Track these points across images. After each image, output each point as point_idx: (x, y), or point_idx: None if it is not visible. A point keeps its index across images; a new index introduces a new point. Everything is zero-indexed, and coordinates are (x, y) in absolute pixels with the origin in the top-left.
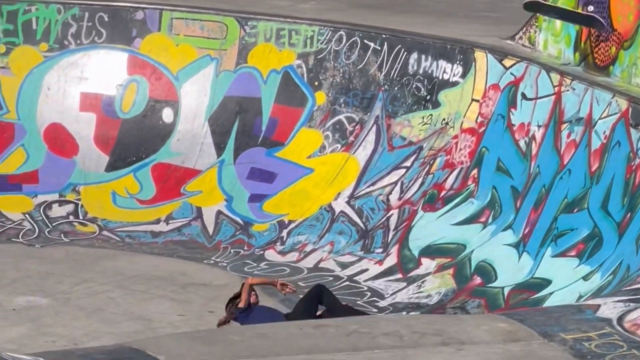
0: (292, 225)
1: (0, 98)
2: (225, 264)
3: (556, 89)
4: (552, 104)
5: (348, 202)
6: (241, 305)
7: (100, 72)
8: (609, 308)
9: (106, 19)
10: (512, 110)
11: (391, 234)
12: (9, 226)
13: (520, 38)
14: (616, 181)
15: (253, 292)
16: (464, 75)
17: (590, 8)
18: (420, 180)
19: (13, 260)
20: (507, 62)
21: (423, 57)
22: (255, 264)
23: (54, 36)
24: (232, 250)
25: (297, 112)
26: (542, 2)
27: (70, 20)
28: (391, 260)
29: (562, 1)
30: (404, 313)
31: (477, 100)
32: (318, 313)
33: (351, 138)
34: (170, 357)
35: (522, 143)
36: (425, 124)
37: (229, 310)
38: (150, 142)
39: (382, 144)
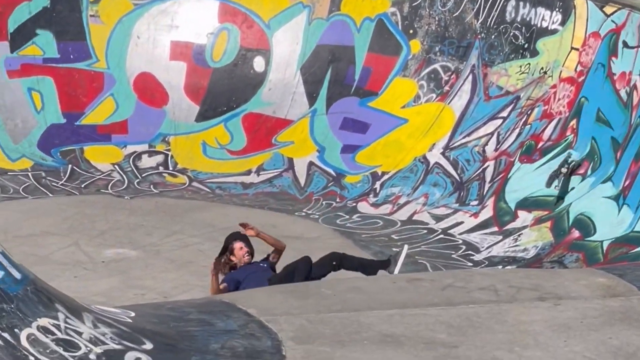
0: (386, 176)
1: (90, 47)
2: (317, 216)
3: None
4: None
5: (443, 153)
6: (211, 293)
7: (191, 20)
8: None
9: None
10: (613, 58)
11: (487, 186)
12: (98, 177)
13: None
14: None
15: (244, 248)
16: (563, 23)
17: None
18: (517, 130)
19: (102, 212)
20: (608, 9)
21: (521, 4)
22: (347, 217)
23: None
24: (324, 202)
25: (391, 61)
26: None
27: None
28: (487, 212)
29: None
30: (500, 267)
31: (577, 49)
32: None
33: (446, 87)
34: (261, 311)
35: (623, 93)
36: (522, 73)
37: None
38: (241, 92)
39: (478, 94)
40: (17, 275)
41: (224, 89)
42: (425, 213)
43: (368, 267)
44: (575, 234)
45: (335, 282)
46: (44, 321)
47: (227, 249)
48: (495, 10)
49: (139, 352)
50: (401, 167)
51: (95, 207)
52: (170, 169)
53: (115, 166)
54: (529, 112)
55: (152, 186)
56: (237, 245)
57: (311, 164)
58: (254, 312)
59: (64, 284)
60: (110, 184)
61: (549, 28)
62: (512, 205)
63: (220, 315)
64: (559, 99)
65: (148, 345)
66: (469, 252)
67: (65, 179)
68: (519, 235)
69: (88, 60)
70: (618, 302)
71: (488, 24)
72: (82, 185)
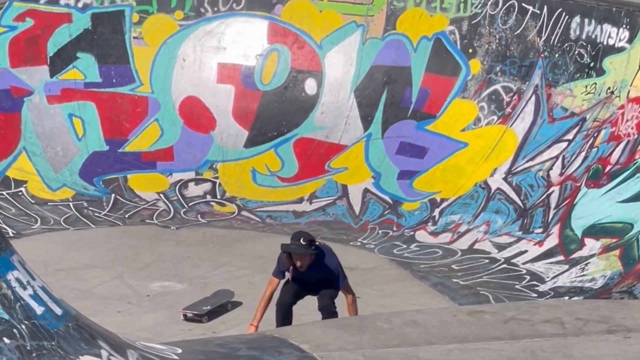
0: (445, 203)
1: (133, 70)
2: (372, 246)
3: None
4: None
5: (505, 179)
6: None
7: (239, 41)
8: None
9: None
10: None
11: (552, 212)
12: (142, 207)
13: None
14: None
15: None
16: (630, 40)
17: None
18: (583, 154)
19: (147, 243)
20: None
21: (586, 20)
22: (404, 246)
23: (189, 3)
24: (380, 231)
25: (449, 81)
26: None
27: None
28: (552, 241)
29: None
30: (566, 298)
31: None
32: None
33: (508, 109)
34: (314, 346)
35: None
36: (588, 93)
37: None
38: (292, 116)
39: (541, 116)
40: (58, 310)
41: (274, 113)
42: (487, 242)
43: None
44: None
45: (392, 315)
46: (86, 359)
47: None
48: (559, 28)
49: None
50: (461, 194)
51: (140, 238)
52: (218, 197)
53: (161, 195)
54: (595, 135)
55: (199, 216)
56: (296, 262)
57: (366, 191)
58: (306, 348)
59: (108, 319)
60: (155, 214)
61: (616, 46)
62: (579, 233)
63: (271, 351)
64: (627, 120)
65: None
66: (534, 282)
67: (108, 209)
68: (586, 265)
69: (131, 84)
70: None
71: (551, 42)
72: (126, 216)
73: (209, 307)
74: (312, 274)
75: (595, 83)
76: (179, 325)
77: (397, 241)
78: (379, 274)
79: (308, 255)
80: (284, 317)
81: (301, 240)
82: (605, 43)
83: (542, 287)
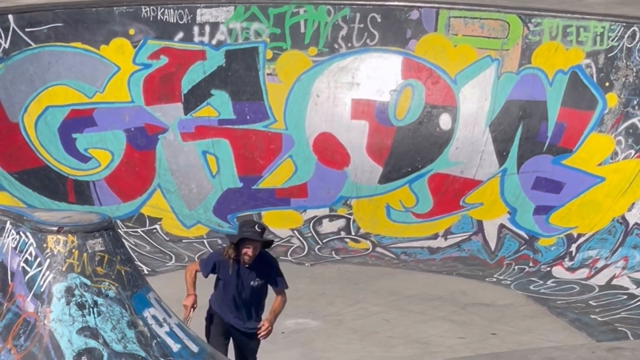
0: (582, 239)
1: (267, 107)
2: (508, 282)
3: None
4: None
5: None
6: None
7: (373, 76)
8: None
9: (379, 20)
10: None
11: None
12: (277, 243)
13: None
14: None
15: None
16: None
17: None
18: None
19: None
20: None
21: None
22: (541, 282)
23: (323, 39)
24: (516, 267)
25: (586, 115)
26: None
27: (341, 22)
28: None
29: None
30: None
31: None
32: None
33: None
34: None
35: None
36: None
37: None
38: (427, 151)
39: None
40: (194, 348)
41: (409, 149)
42: (625, 277)
43: None
44: None
45: (529, 352)
46: None
47: (237, 244)
48: None
49: None
50: (598, 229)
51: None
52: (353, 233)
53: (295, 232)
54: None
55: (333, 252)
56: (247, 251)
57: (502, 226)
58: None
59: None
60: (289, 251)
61: None
62: None
63: None
64: None
65: None
66: None
67: None
68: None
69: (265, 120)
70: None
71: None
72: None
73: None
74: (254, 269)
75: None
76: None
77: (533, 277)
78: (515, 311)
79: (259, 244)
80: None
81: (256, 227)
82: None
83: None
